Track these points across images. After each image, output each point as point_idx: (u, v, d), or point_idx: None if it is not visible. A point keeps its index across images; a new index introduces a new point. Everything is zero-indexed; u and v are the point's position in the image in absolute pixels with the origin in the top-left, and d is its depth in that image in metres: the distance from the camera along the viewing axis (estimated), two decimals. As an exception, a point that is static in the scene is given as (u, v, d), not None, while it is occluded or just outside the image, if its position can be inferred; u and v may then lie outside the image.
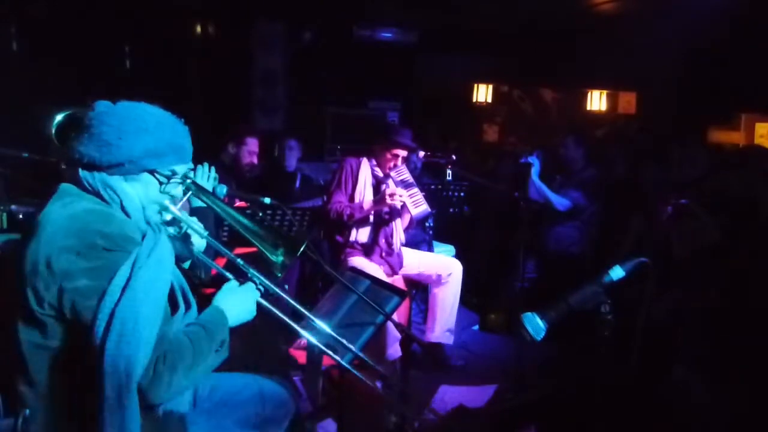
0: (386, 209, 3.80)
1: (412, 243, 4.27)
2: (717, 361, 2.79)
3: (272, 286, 1.85)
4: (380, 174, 3.86)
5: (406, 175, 3.95)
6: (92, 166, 1.57)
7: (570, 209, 4.66)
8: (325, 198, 3.94)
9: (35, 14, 5.09)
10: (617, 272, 1.94)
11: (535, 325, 1.93)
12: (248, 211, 3.27)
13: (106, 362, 1.41)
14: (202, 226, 1.87)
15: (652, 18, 5.27)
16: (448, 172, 4.48)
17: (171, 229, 1.79)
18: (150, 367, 1.46)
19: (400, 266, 3.93)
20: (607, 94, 6.92)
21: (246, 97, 6.54)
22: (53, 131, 1.70)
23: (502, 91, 7.50)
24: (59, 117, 1.72)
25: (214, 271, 2.00)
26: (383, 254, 3.84)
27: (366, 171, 3.82)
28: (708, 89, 5.28)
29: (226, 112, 5.74)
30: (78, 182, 1.59)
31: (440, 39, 6.74)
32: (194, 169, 2.39)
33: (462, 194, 4.70)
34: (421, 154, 4.57)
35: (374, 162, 3.86)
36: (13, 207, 3.11)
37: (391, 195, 3.59)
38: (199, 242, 1.94)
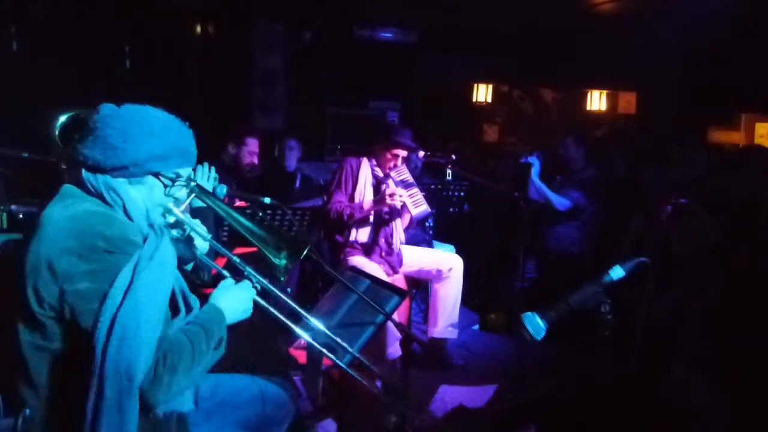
0: (386, 209, 3.81)
1: (412, 243, 4.26)
2: (717, 361, 2.78)
3: (268, 284, 1.85)
4: (380, 174, 3.86)
5: (406, 175, 3.95)
6: (96, 169, 1.58)
7: (570, 209, 4.66)
8: (325, 198, 3.94)
9: (35, 14, 5.09)
10: (617, 272, 1.94)
11: (535, 325, 1.93)
12: (248, 211, 3.27)
13: (107, 366, 1.41)
14: (205, 228, 1.87)
15: (652, 18, 5.27)
16: (448, 172, 4.48)
17: (174, 232, 1.79)
18: (150, 369, 1.46)
19: (400, 265, 3.93)
20: (607, 94, 6.92)
21: (246, 97, 6.54)
22: (56, 132, 1.71)
23: (502, 91, 7.50)
24: (63, 118, 1.73)
25: (213, 271, 2.00)
26: (383, 254, 3.84)
27: (366, 171, 3.82)
28: (708, 89, 5.28)
29: (226, 112, 5.74)
30: (81, 184, 1.59)
31: (440, 39, 6.74)
32: (194, 169, 2.39)
33: (462, 194, 4.70)
34: (421, 154, 4.57)
35: (374, 162, 3.86)
36: (13, 207, 3.11)
37: (391, 195, 3.59)
38: (202, 244, 1.94)
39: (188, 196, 1.76)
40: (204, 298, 1.74)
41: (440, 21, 6.43)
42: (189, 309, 1.66)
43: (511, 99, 7.64)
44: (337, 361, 2.00)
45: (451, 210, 4.75)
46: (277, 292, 1.89)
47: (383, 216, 3.86)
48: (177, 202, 1.72)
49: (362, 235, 3.80)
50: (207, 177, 2.73)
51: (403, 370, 3.39)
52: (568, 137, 4.84)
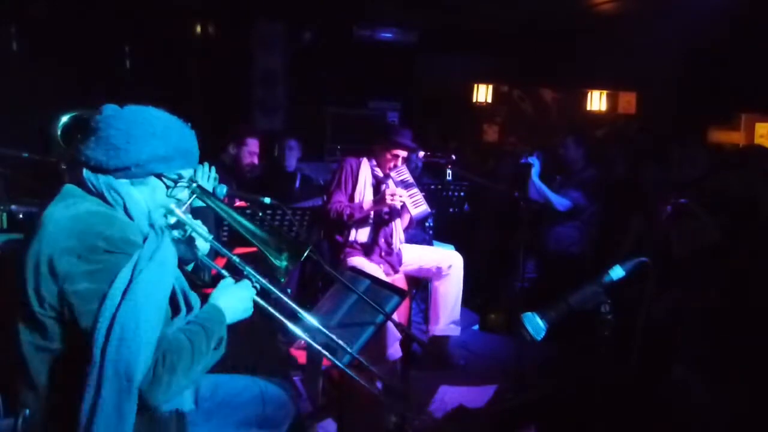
0: (386, 209, 3.81)
1: (411, 243, 4.26)
2: (717, 361, 2.79)
3: (268, 284, 1.85)
4: (380, 174, 3.86)
5: (406, 176, 3.95)
6: (98, 169, 1.58)
7: (570, 209, 4.66)
8: (325, 198, 3.94)
9: (35, 14, 5.09)
10: (617, 272, 1.94)
11: (535, 325, 1.93)
12: (248, 211, 3.27)
13: (106, 365, 1.41)
14: (206, 229, 1.87)
15: (652, 18, 5.27)
16: (448, 172, 4.48)
17: (175, 232, 1.79)
18: (149, 369, 1.46)
19: (400, 264, 3.93)
20: (607, 94, 6.92)
21: (246, 97, 6.54)
22: (58, 132, 1.71)
23: (502, 91, 7.50)
24: (65, 118, 1.73)
25: (213, 271, 2.00)
26: (383, 254, 3.84)
27: (366, 171, 3.82)
28: (708, 89, 5.28)
29: (226, 112, 5.74)
30: (82, 184, 1.59)
31: (440, 39, 6.74)
32: (194, 170, 2.39)
33: (462, 194, 4.70)
34: (421, 154, 4.58)
35: (374, 162, 3.86)
36: (13, 207, 3.11)
37: (391, 195, 3.59)
38: (203, 245, 1.94)
39: (190, 197, 1.76)
40: (204, 299, 1.74)
41: (440, 21, 6.43)
42: (190, 308, 1.66)
43: (511, 99, 7.64)
44: (337, 362, 2.00)
45: (451, 210, 4.75)
46: (277, 292, 1.89)
47: (383, 216, 3.86)
48: (179, 202, 1.72)
49: (362, 235, 3.80)
50: (207, 177, 2.73)
51: (403, 371, 3.38)
52: (568, 137, 4.84)
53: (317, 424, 2.99)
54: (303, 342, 1.95)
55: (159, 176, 1.65)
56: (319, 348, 1.95)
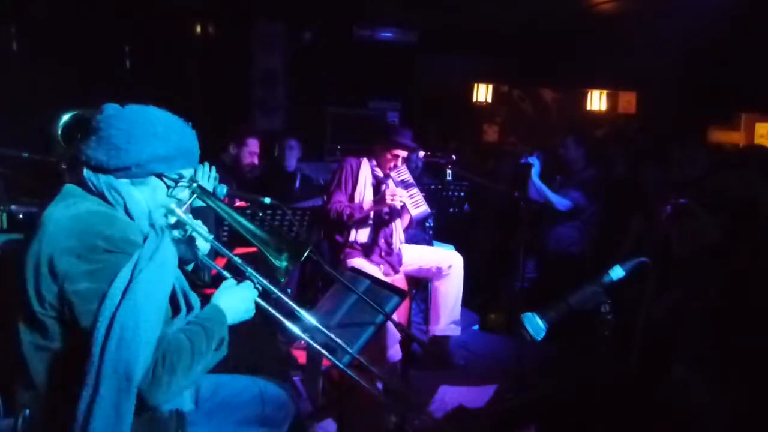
0: (386, 209, 3.81)
1: (411, 243, 4.26)
2: (717, 361, 2.79)
3: (270, 285, 1.85)
4: (380, 174, 3.86)
5: (406, 176, 3.95)
6: (99, 169, 1.58)
7: (570, 209, 4.66)
8: (325, 198, 3.94)
9: (35, 14, 5.09)
10: (617, 272, 1.94)
11: (535, 325, 1.93)
12: (248, 211, 3.27)
13: (105, 364, 1.40)
14: (207, 229, 1.87)
15: (652, 18, 5.27)
16: (448, 172, 4.48)
17: (176, 232, 1.79)
18: (149, 369, 1.46)
19: (400, 264, 3.93)
20: (607, 94, 6.92)
21: (246, 97, 6.54)
22: (59, 131, 1.70)
23: (502, 91, 7.49)
24: (65, 117, 1.72)
25: (214, 271, 2.00)
26: (383, 254, 3.84)
27: (366, 171, 3.82)
28: (708, 89, 5.28)
29: (226, 112, 5.74)
30: (82, 183, 1.59)
31: (440, 39, 6.74)
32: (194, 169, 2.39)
33: (462, 194, 4.69)
34: (421, 154, 4.58)
35: (374, 162, 3.86)
36: (13, 207, 3.11)
37: (391, 195, 3.59)
38: (203, 245, 1.94)
39: (190, 197, 1.76)
40: (205, 299, 1.74)
41: (440, 21, 6.43)
42: (190, 308, 1.66)
43: (511, 99, 7.64)
44: (337, 362, 2.00)
45: (451, 210, 4.75)
46: (278, 293, 1.89)
47: (383, 216, 3.86)
48: (179, 202, 1.72)
49: (362, 235, 3.80)
50: (207, 177, 2.73)
51: (403, 371, 3.38)
52: (568, 137, 4.84)
53: (317, 424, 2.99)
54: (303, 342, 1.95)
55: (160, 176, 1.64)
56: (319, 348, 1.95)
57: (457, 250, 4.86)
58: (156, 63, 5.71)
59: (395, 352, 3.56)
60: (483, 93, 7.29)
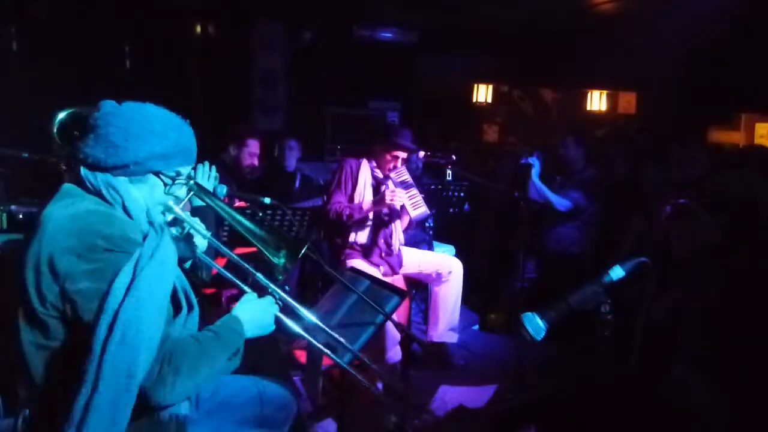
0: (385, 210, 3.81)
1: (412, 243, 4.27)
2: (717, 361, 2.79)
3: (291, 300, 1.86)
4: (380, 175, 3.86)
5: (406, 177, 3.95)
6: (96, 167, 1.57)
7: (570, 210, 4.66)
8: (324, 198, 3.94)
9: (35, 14, 5.09)
10: (617, 272, 1.94)
11: (535, 325, 1.93)
12: (248, 211, 3.27)
13: (105, 363, 1.40)
14: (204, 226, 1.87)
15: (652, 18, 5.27)
16: (448, 172, 4.48)
17: (174, 230, 1.79)
18: (154, 368, 1.46)
19: (400, 266, 3.93)
20: (607, 94, 6.92)
21: (246, 97, 6.54)
22: (55, 129, 1.70)
23: (502, 91, 7.50)
24: (62, 115, 1.72)
25: (214, 271, 2.00)
26: (383, 254, 3.84)
27: (366, 172, 3.82)
28: (708, 89, 5.28)
29: (226, 112, 5.74)
30: (80, 182, 1.59)
31: (440, 39, 6.74)
32: (194, 168, 2.39)
33: (462, 194, 4.69)
34: (421, 154, 4.57)
35: (374, 163, 3.86)
36: (13, 207, 3.11)
37: (391, 196, 3.59)
38: (201, 243, 1.94)
39: (187, 195, 1.76)
40: (204, 298, 1.74)
41: (440, 21, 6.44)
42: (191, 307, 1.66)
43: (511, 99, 7.64)
44: (338, 360, 2.00)
45: (451, 210, 4.75)
46: (298, 306, 1.89)
47: (383, 217, 3.86)
48: (177, 200, 1.72)
49: (361, 236, 3.81)
50: (208, 176, 2.72)
51: (403, 371, 3.39)
52: (568, 137, 4.84)
53: (317, 424, 2.99)
54: (303, 342, 1.95)
55: (157, 174, 1.64)
56: (321, 347, 1.95)
57: (457, 249, 4.88)
58: (156, 63, 5.71)
59: (395, 353, 3.57)
60: (483, 93, 7.30)
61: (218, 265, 1.90)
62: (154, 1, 5.58)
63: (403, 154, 3.80)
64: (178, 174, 1.67)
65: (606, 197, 4.72)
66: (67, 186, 1.60)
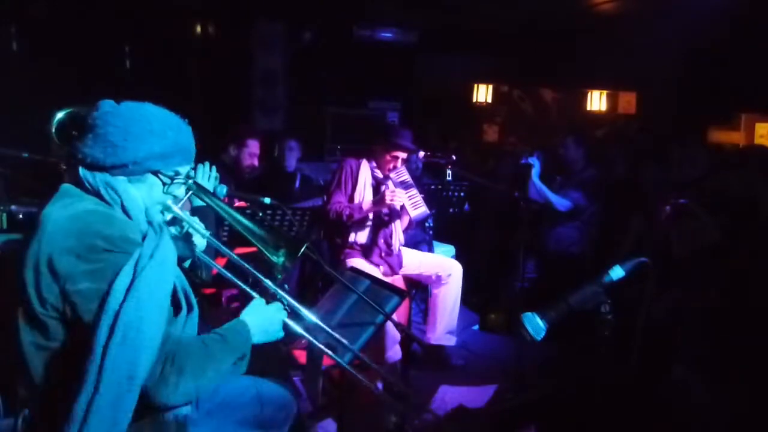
0: (385, 210, 3.81)
1: (412, 243, 4.26)
2: (717, 361, 2.79)
3: (298, 305, 1.86)
4: (380, 175, 3.86)
5: (406, 177, 3.95)
6: (95, 167, 1.57)
7: (570, 210, 4.66)
8: (324, 198, 3.94)
9: (35, 14, 5.09)
10: (617, 272, 1.94)
11: (535, 325, 1.93)
12: (248, 211, 3.27)
13: (106, 364, 1.40)
14: (203, 225, 1.87)
15: (652, 18, 5.27)
16: (448, 172, 4.48)
17: (172, 229, 1.78)
18: (156, 368, 1.46)
19: (400, 266, 3.93)
20: (607, 94, 6.92)
21: (246, 97, 6.54)
22: (53, 129, 1.69)
23: (502, 91, 7.50)
24: (60, 114, 1.71)
25: (214, 271, 2.00)
26: (382, 254, 3.84)
27: (366, 172, 3.82)
28: (708, 89, 5.28)
29: (226, 112, 5.74)
30: (79, 182, 1.58)
31: (440, 39, 6.74)
32: (194, 169, 2.39)
33: (462, 194, 4.69)
34: (421, 154, 4.57)
35: (374, 163, 3.86)
36: (13, 207, 3.11)
37: (391, 196, 3.59)
38: (200, 242, 1.94)
39: (186, 194, 1.76)
40: (204, 298, 1.74)
41: (440, 21, 6.44)
42: (191, 307, 1.66)
43: (511, 99, 7.64)
44: (339, 360, 2.00)
45: (451, 210, 4.75)
46: (298, 306, 1.89)
47: (382, 217, 3.86)
48: (175, 199, 1.72)
49: (361, 236, 3.80)
50: (208, 176, 2.73)
51: (403, 371, 3.39)
52: (568, 137, 4.84)
53: (317, 424, 2.99)
54: (303, 342, 1.95)
55: (156, 173, 1.63)
56: (323, 347, 1.95)
57: (457, 249, 4.88)
58: (156, 63, 5.71)
59: (394, 353, 3.56)
60: (483, 93, 7.30)
61: (219, 265, 1.90)
62: (154, 1, 5.58)
63: (403, 155, 3.80)
64: (177, 173, 1.67)
65: (606, 197, 4.72)
66: (66, 186, 1.59)
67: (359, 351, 2.16)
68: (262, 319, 1.74)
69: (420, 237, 4.65)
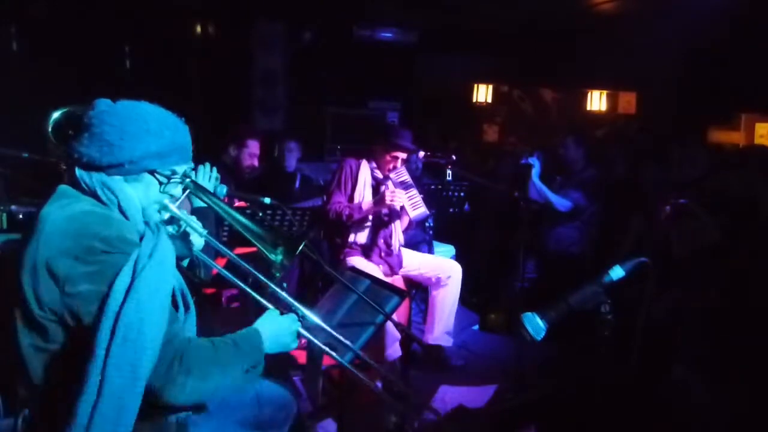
0: (385, 210, 3.81)
1: (412, 243, 4.27)
2: (717, 361, 2.79)
3: (313, 316, 1.85)
4: (380, 175, 3.86)
5: (406, 177, 3.95)
6: (91, 167, 1.56)
7: (570, 210, 4.66)
8: (324, 198, 3.94)
9: (35, 14, 5.09)
10: (617, 272, 1.94)
11: (535, 325, 1.93)
12: (248, 211, 3.27)
13: (109, 366, 1.39)
14: (200, 224, 1.86)
15: (652, 18, 5.27)
16: (448, 172, 4.48)
17: (170, 228, 1.78)
18: (162, 367, 1.45)
19: (400, 266, 3.93)
20: (607, 94, 6.92)
21: (246, 97, 6.54)
22: (49, 128, 1.69)
23: (502, 91, 7.50)
24: (56, 114, 1.71)
25: (214, 272, 2.00)
26: (382, 254, 3.85)
27: (366, 172, 3.82)
28: (708, 89, 5.28)
29: (226, 112, 5.74)
30: (75, 183, 1.57)
31: (440, 39, 6.74)
32: (195, 169, 2.39)
33: (462, 194, 4.69)
34: (421, 154, 4.57)
35: (374, 163, 3.86)
36: (13, 207, 3.11)
37: (391, 196, 3.59)
38: (197, 241, 1.93)
39: (183, 193, 1.76)
40: (203, 298, 1.74)
41: (440, 21, 6.44)
42: (187, 307, 1.65)
43: (511, 99, 7.64)
44: (340, 359, 2.00)
45: (451, 210, 4.75)
46: (299, 306, 1.89)
47: (382, 217, 3.86)
48: (172, 198, 1.71)
49: (361, 236, 3.81)
50: (209, 177, 2.72)
51: (403, 371, 3.39)
52: (568, 137, 4.84)
53: (317, 424, 2.99)
54: (303, 342, 1.95)
55: (152, 172, 1.62)
56: (323, 347, 1.95)
57: (457, 249, 4.87)
58: (156, 63, 5.71)
59: (394, 351, 3.57)
60: (483, 93, 7.30)
61: (219, 266, 1.90)
62: (154, 1, 5.58)
63: (402, 155, 3.80)
64: (174, 172, 1.66)
65: (606, 197, 4.72)
66: (63, 187, 1.58)
67: (360, 350, 2.16)
68: (276, 328, 1.74)
69: (420, 237, 4.65)
